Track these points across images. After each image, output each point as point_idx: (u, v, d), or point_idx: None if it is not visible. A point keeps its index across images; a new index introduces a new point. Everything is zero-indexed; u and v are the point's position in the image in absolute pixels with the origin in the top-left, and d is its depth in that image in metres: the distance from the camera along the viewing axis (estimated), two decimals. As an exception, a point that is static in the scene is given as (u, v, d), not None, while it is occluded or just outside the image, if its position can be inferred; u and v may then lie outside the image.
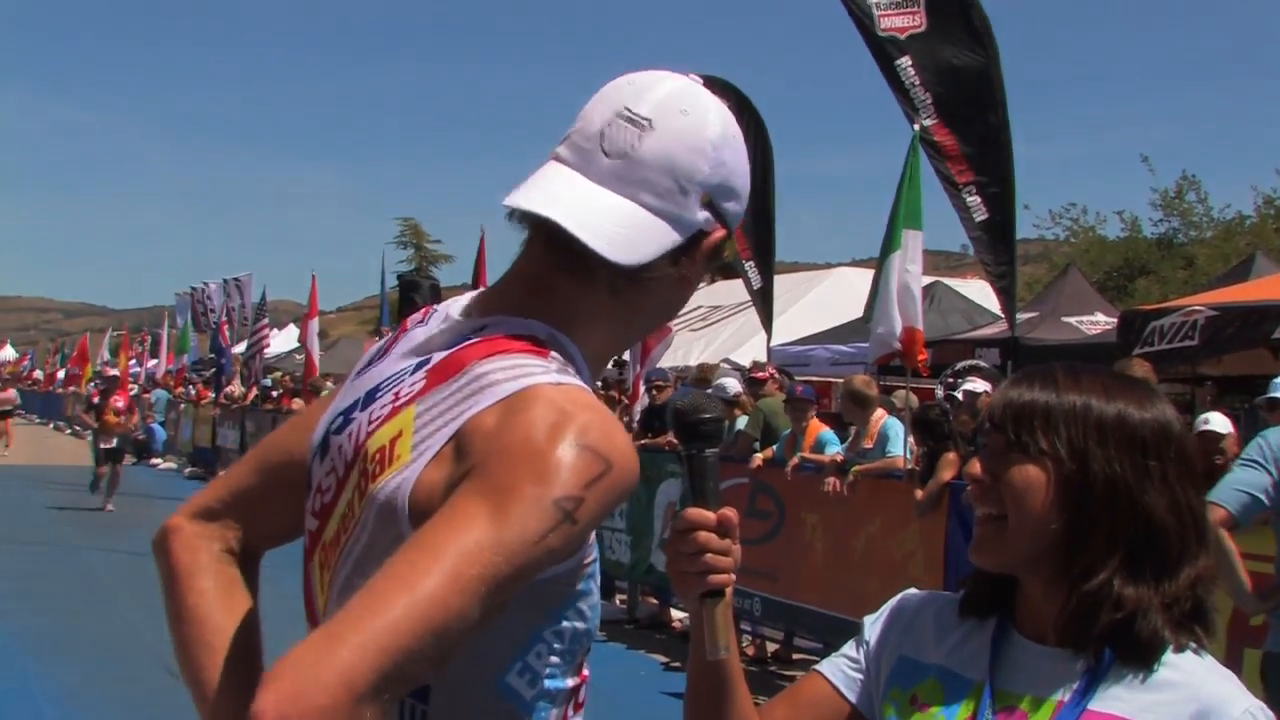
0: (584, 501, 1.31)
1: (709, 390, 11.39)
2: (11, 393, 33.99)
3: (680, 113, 1.52)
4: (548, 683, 1.46)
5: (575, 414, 1.36)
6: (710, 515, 1.55)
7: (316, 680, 1.12)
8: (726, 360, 17.96)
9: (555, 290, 1.52)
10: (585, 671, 1.54)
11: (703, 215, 1.52)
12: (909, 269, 8.76)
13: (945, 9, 9.50)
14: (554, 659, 1.46)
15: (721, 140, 1.53)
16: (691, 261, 1.55)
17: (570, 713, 1.51)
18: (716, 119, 1.54)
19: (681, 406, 1.61)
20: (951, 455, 7.84)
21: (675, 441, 1.69)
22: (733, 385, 11.35)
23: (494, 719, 1.43)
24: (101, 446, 19.14)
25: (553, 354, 1.45)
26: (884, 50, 9.67)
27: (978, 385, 8.55)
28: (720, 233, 1.55)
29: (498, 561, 1.25)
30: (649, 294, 1.55)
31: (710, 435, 1.59)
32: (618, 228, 1.48)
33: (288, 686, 1.12)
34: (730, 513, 1.55)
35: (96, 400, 19.88)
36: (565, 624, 1.46)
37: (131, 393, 36.48)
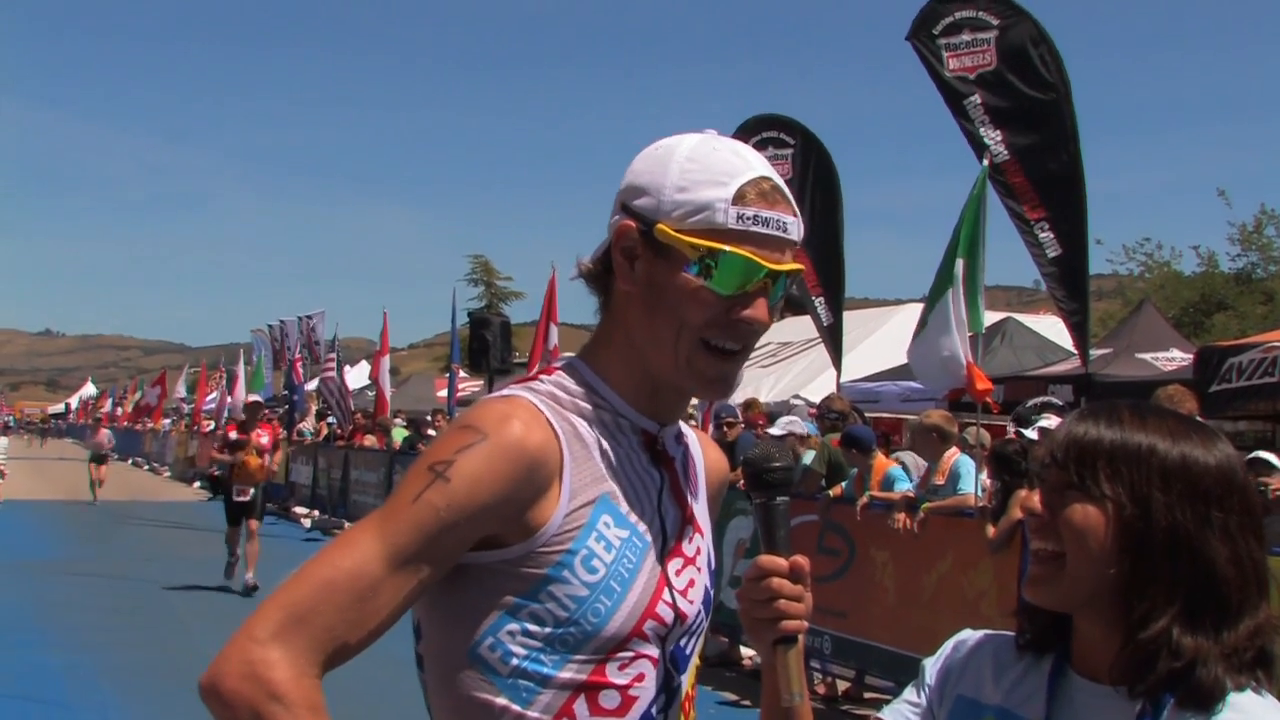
0: (453, 463, 1.53)
1: (773, 429, 11.39)
2: (105, 434, 32.44)
3: None
4: (524, 663, 1.59)
5: (478, 408, 1.63)
6: (783, 562, 1.59)
7: (230, 642, 1.47)
8: (797, 396, 17.92)
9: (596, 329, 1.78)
10: (609, 675, 1.61)
11: (615, 218, 1.68)
12: (960, 299, 8.77)
13: (1015, 46, 9.48)
14: (530, 641, 1.59)
15: (641, 155, 1.69)
16: (616, 256, 1.67)
17: (579, 707, 1.60)
18: (656, 143, 1.71)
19: (751, 456, 1.66)
20: (1024, 493, 7.75)
21: (746, 484, 1.72)
22: (799, 423, 11.32)
23: (471, 683, 1.60)
24: (236, 499, 14.38)
25: (542, 378, 1.70)
26: (953, 89, 9.67)
27: (1051, 422, 8.46)
28: (623, 225, 1.66)
29: (382, 522, 1.54)
30: (621, 303, 1.70)
31: (780, 484, 1.64)
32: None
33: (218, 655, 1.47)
34: (802, 560, 1.59)
35: (234, 434, 14.94)
36: (538, 607, 1.58)
37: (208, 428, 37.21)
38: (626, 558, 1.64)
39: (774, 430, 11.35)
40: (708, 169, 1.63)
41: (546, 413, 1.62)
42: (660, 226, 1.62)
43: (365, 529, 1.55)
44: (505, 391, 1.68)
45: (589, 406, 1.68)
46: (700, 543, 1.79)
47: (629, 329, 1.69)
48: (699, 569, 1.76)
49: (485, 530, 1.57)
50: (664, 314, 1.65)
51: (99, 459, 29.23)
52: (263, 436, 14.93)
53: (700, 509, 1.83)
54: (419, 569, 1.53)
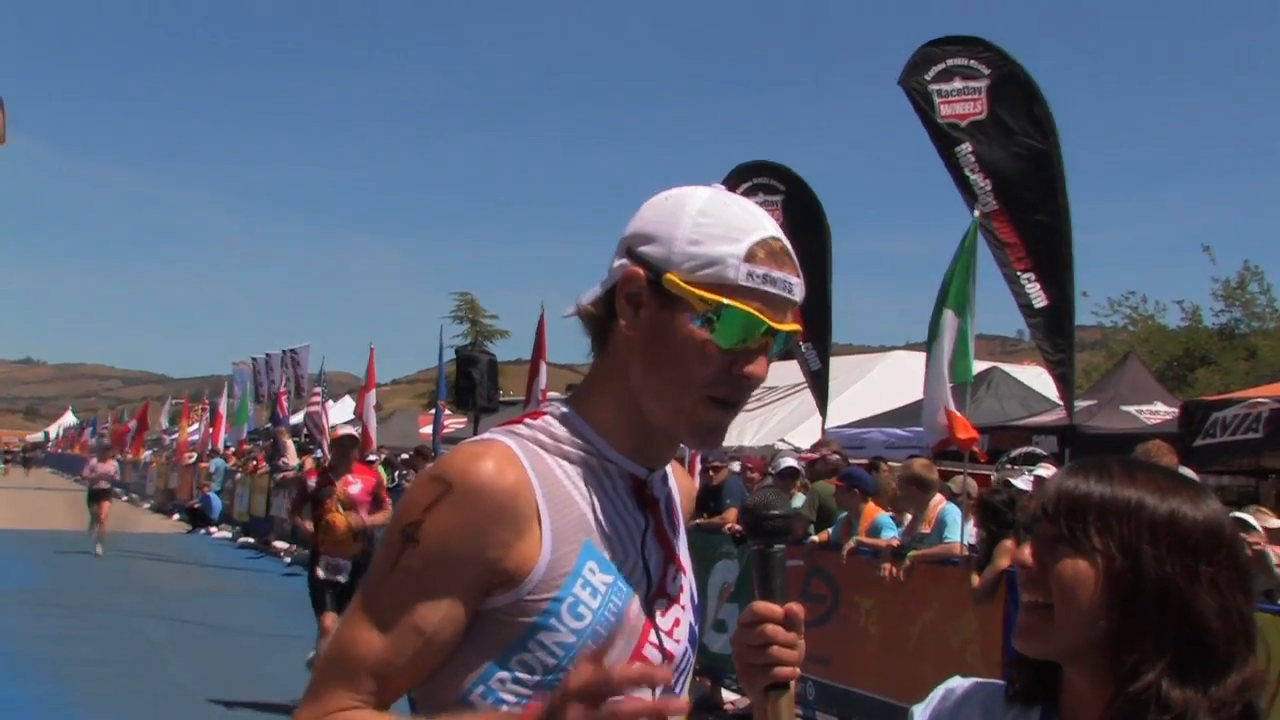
0: (421, 523, 1.57)
1: (782, 461, 11.44)
2: (111, 465, 25.24)
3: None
4: (517, 709, 1.60)
5: (445, 457, 1.64)
6: (778, 609, 1.62)
7: None
8: (782, 440, 17.92)
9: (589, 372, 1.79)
10: None
11: (619, 262, 1.69)
12: (943, 350, 8.82)
13: (1007, 96, 9.58)
14: (521, 689, 1.61)
15: (649, 203, 1.72)
16: (620, 301, 1.68)
17: None
18: (664, 193, 1.73)
19: (751, 504, 1.69)
20: (1009, 543, 7.76)
21: (738, 528, 1.74)
22: (796, 463, 11.38)
23: None
24: (324, 577, 10.09)
25: (528, 420, 1.71)
26: (944, 136, 9.75)
27: (1048, 472, 8.49)
28: (630, 270, 1.67)
29: (372, 594, 1.60)
30: (619, 349, 1.71)
31: (778, 531, 1.66)
32: (582, 294, 1.76)
33: None
34: (797, 608, 1.62)
35: (314, 483, 10.58)
36: (527, 655, 1.61)
37: (189, 460, 37.06)
38: (612, 603, 1.65)
39: (783, 461, 11.42)
40: (721, 223, 1.64)
41: (523, 456, 1.63)
42: (670, 277, 1.63)
43: (357, 601, 1.63)
44: (485, 435, 1.71)
45: (575, 451, 1.69)
46: (684, 581, 1.80)
47: (627, 375, 1.70)
48: (683, 607, 1.78)
49: (476, 576, 1.59)
50: (668, 364, 1.66)
51: (100, 495, 22.87)
52: (353, 484, 10.33)
53: (683, 545, 1.85)
54: (420, 630, 1.59)
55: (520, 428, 1.70)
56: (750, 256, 1.63)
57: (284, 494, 25.28)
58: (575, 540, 1.64)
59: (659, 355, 1.67)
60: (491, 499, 1.58)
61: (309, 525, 10.29)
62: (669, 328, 1.65)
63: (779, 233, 1.69)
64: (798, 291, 1.69)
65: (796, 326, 1.72)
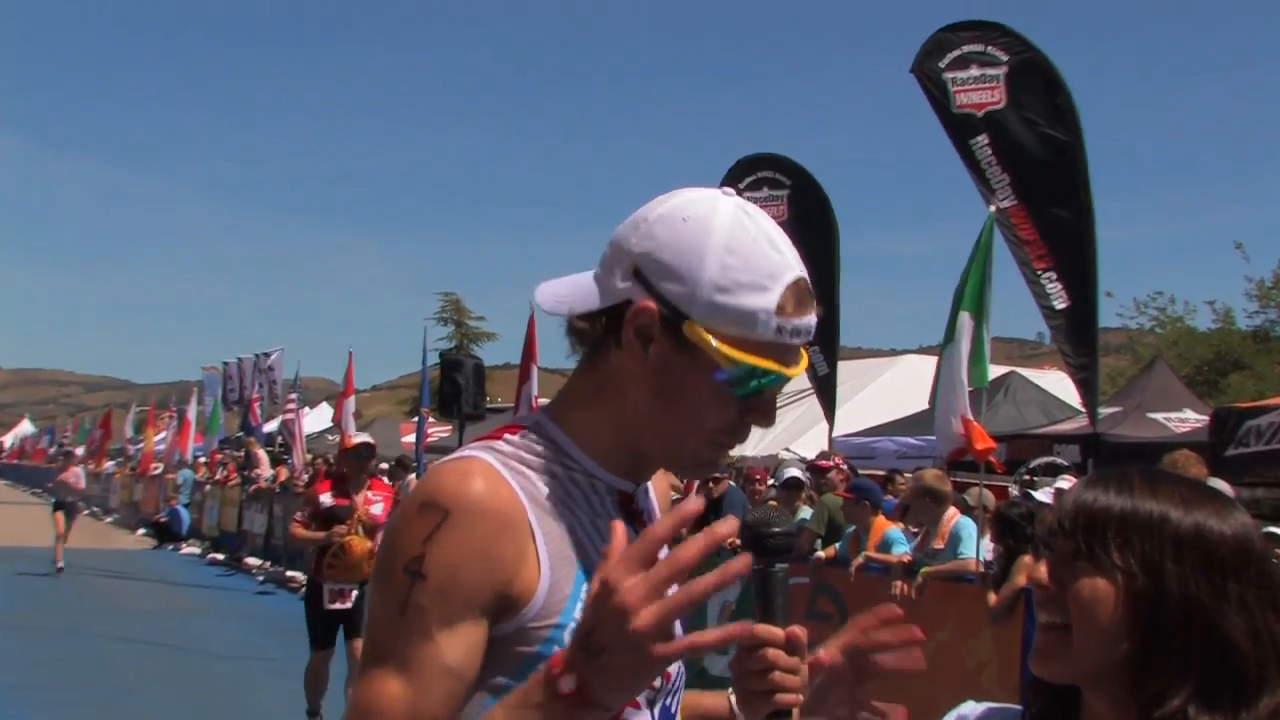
0: (424, 556, 1.55)
1: (785, 471, 11.46)
2: (76, 472, 24.44)
3: (657, 199, 1.72)
4: None
5: (434, 476, 1.62)
6: (779, 633, 1.61)
7: None
8: (787, 449, 17.92)
9: (567, 381, 1.80)
10: None
11: (626, 284, 1.66)
12: (960, 354, 8.81)
13: (1027, 85, 9.57)
14: None
15: (661, 218, 1.67)
16: (628, 333, 1.66)
17: None
18: (677, 203, 1.68)
19: (752, 520, 1.69)
20: (1028, 559, 7.77)
21: (736, 544, 1.75)
22: (800, 473, 11.40)
23: None
24: (329, 605, 9.60)
25: (507, 436, 1.70)
26: (959, 127, 9.75)
27: (1069, 483, 8.50)
28: (644, 304, 1.64)
29: (385, 643, 1.57)
30: (610, 368, 1.70)
31: (780, 550, 1.66)
32: (563, 290, 1.73)
33: None
34: (800, 631, 1.62)
35: (327, 497, 9.77)
36: None
37: (155, 471, 36.98)
38: None
39: (788, 471, 11.44)
40: (749, 267, 1.63)
41: (507, 474, 1.64)
42: (695, 328, 1.63)
43: (369, 661, 1.59)
44: (463, 452, 1.70)
45: (560, 468, 1.70)
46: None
47: (623, 401, 1.71)
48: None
49: (487, 601, 1.58)
50: (678, 408, 1.68)
51: (64, 507, 23.05)
52: (375, 503, 9.84)
53: (665, 552, 1.86)
54: (449, 669, 1.56)
55: (500, 444, 1.70)
56: (780, 309, 1.63)
57: (256, 507, 25.29)
58: (570, 561, 1.65)
59: (669, 397, 1.68)
60: (491, 518, 1.58)
61: (316, 535, 9.51)
62: (684, 373, 1.66)
63: (801, 267, 1.69)
64: (814, 328, 1.71)
65: (806, 362, 1.76)
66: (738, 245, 1.63)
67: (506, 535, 1.59)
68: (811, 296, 1.69)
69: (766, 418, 1.71)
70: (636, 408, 1.70)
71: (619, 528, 1.47)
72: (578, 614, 1.60)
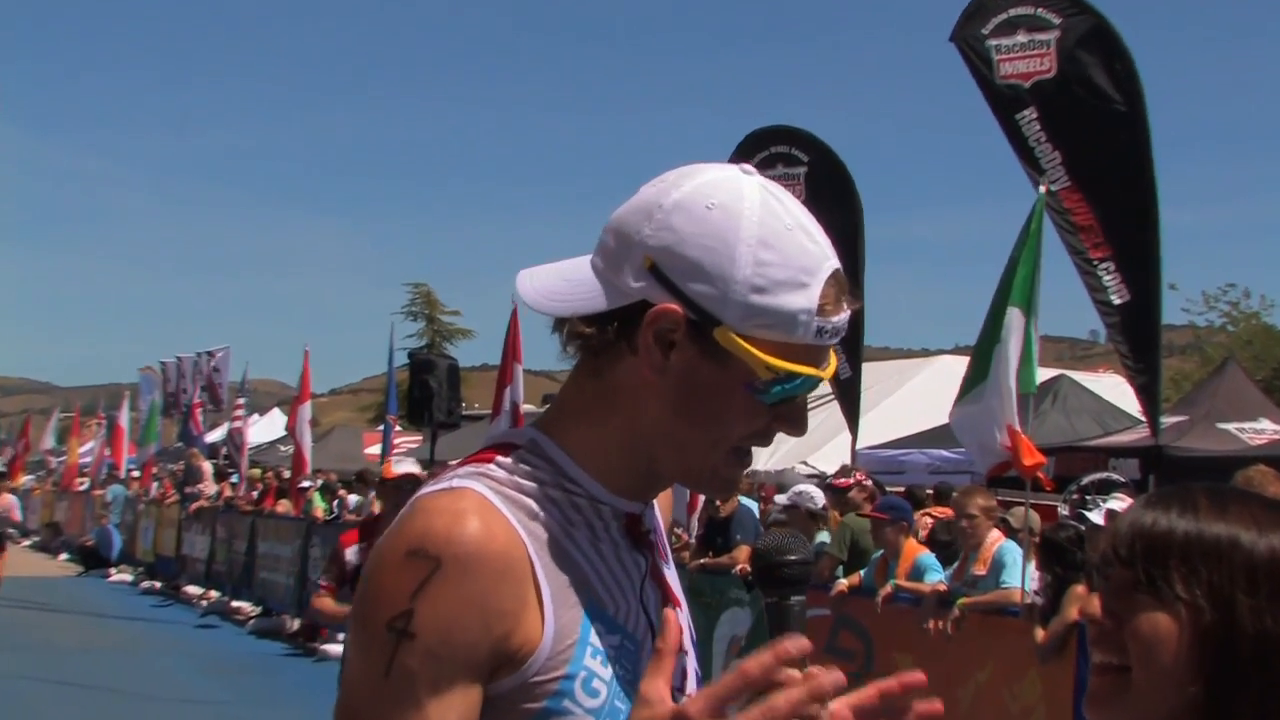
0: (413, 612, 1.54)
1: (780, 497, 11.41)
2: (9, 501, 20.72)
3: (666, 180, 1.70)
4: None
5: (419, 514, 1.62)
6: (796, 674, 1.60)
7: None
8: (803, 463, 17.90)
9: (561, 390, 1.79)
10: None
11: (639, 283, 1.65)
12: (1008, 356, 8.77)
13: (1080, 51, 9.54)
14: None
15: (680, 205, 1.65)
16: (645, 339, 1.65)
17: None
18: (697, 186, 1.66)
19: (764, 547, 1.69)
20: (1081, 589, 7.77)
21: (747, 570, 1.75)
22: (819, 495, 11.35)
23: None
24: None
25: (499, 459, 1.69)
26: (1004, 100, 9.74)
27: (1122, 504, 8.48)
28: (666, 308, 1.63)
29: (365, 712, 1.57)
30: (619, 377, 1.69)
31: (796, 580, 1.66)
32: (554, 284, 1.72)
33: None
34: (823, 675, 1.60)
35: (355, 554, 8.30)
36: None
37: (81, 486, 36.90)
38: (623, 668, 1.67)
39: (780, 499, 11.39)
40: (786, 262, 1.62)
41: (503, 507, 1.64)
42: (728, 333, 1.63)
43: (345, 711, 1.60)
44: (450, 481, 1.68)
45: (560, 494, 1.70)
46: (681, 619, 1.81)
47: (636, 416, 1.71)
48: (686, 652, 1.80)
49: (484, 660, 1.58)
50: (703, 422, 1.68)
51: None
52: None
53: (674, 577, 1.87)
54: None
55: (492, 469, 1.68)
56: (821, 309, 1.64)
57: (198, 528, 25.28)
58: (575, 603, 1.65)
59: (692, 410, 1.68)
60: (490, 566, 1.57)
61: (344, 612, 7.89)
62: (711, 383, 1.66)
63: (835, 256, 1.69)
64: (848, 323, 1.72)
65: (835, 360, 1.76)
66: (772, 237, 1.63)
67: (506, 583, 1.58)
68: (847, 289, 1.69)
69: (798, 425, 1.72)
70: (653, 422, 1.69)
71: (672, 622, 1.50)
72: (588, 660, 1.62)
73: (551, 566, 1.64)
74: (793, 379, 1.65)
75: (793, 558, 1.66)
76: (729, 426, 1.67)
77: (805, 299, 1.62)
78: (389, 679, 1.55)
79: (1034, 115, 9.63)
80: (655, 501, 1.91)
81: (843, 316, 1.67)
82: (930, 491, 13.76)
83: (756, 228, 1.62)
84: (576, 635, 1.63)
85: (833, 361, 1.73)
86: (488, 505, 1.62)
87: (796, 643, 1.46)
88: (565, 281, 1.72)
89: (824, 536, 10.63)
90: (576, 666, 1.62)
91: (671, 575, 1.87)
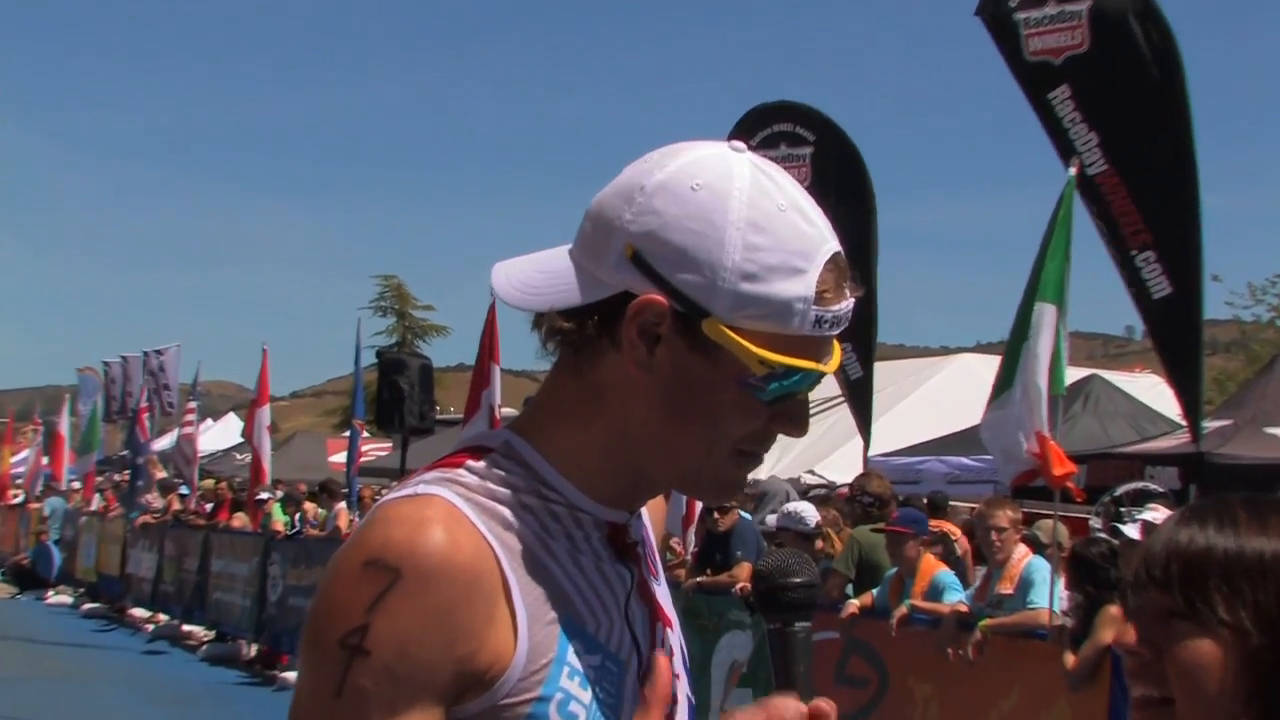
0: (368, 627, 1.54)
1: (766, 516, 11.39)
2: None
3: (650, 160, 1.71)
4: None
5: (379, 521, 1.62)
6: (800, 707, 1.61)
7: None
8: (811, 472, 17.91)
9: (539, 390, 1.80)
10: None
11: (620, 272, 1.65)
12: (1037, 354, 8.76)
13: (1114, 22, 9.53)
14: None
15: (663, 187, 1.65)
16: (629, 334, 1.65)
17: None
18: (681, 166, 1.67)
19: (765, 569, 1.69)
20: (1114, 610, 7.77)
21: (749, 589, 1.74)
22: (810, 513, 11.31)
23: None
24: None
25: (470, 463, 1.70)
26: (1034, 77, 9.72)
27: (1158, 515, 8.48)
28: (649, 299, 1.63)
29: None
30: (602, 375, 1.69)
31: (800, 605, 1.66)
32: (531, 276, 1.73)
33: None
34: (827, 706, 1.62)
35: None
36: None
37: (15, 499, 36.79)
38: (605, 690, 1.66)
39: (770, 520, 11.36)
40: (780, 245, 1.62)
41: (473, 515, 1.64)
42: (717, 325, 1.63)
43: None
44: (414, 487, 1.68)
45: (537, 501, 1.70)
46: (672, 640, 1.83)
47: (622, 418, 1.71)
48: (677, 674, 1.79)
49: (446, 681, 1.58)
50: (694, 421, 1.68)
51: None
52: None
53: (665, 594, 1.88)
54: None
55: (462, 474, 1.69)
56: (819, 297, 1.64)
57: (144, 544, 25.23)
58: (553, 617, 1.65)
59: (682, 409, 1.68)
60: (455, 578, 1.57)
61: None
62: (700, 379, 1.66)
63: (835, 239, 1.69)
64: (851, 312, 1.71)
65: (839, 352, 1.76)
66: (764, 219, 1.63)
67: (473, 598, 1.58)
68: (849, 274, 1.69)
69: (799, 425, 1.72)
70: (640, 423, 1.70)
71: (662, 669, 1.52)
72: (564, 681, 1.62)
73: (525, 580, 1.64)
74: (791, 374, 1.64)
75: (797, 580, 1.66)
76: (723, 426, 1.67)
77: (801, 286, 1.62)
78: (340, 700, 1.55)
79: (1067, 94, 9.62)
80: (645, 512, 1.91)
81: (845, 305, 1.67)
82: (925, 501, 13.73)
83: (746, 209, 1.62)
84: (553, 654, 1.63)
85: (836, 355, 1.73)
86: (455, 513, 1.62)
87: (829, 705, 1.48)
88: (541, 273, 1.73)
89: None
90: (552, 688, 1.62)
91: (662, 592, 1.87)
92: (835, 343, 1.73)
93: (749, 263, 1.61)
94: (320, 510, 19.33)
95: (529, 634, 1.61)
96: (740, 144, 1.71)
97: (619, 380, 1.68)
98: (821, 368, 1.68)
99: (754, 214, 1.62)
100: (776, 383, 1.64)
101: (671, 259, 1.62)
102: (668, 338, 1.64)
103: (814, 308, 1.63)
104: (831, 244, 1.66)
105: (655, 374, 1.65)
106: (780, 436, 1.75)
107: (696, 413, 1.67)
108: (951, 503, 15.46)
